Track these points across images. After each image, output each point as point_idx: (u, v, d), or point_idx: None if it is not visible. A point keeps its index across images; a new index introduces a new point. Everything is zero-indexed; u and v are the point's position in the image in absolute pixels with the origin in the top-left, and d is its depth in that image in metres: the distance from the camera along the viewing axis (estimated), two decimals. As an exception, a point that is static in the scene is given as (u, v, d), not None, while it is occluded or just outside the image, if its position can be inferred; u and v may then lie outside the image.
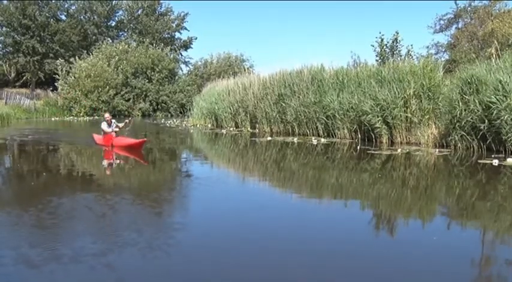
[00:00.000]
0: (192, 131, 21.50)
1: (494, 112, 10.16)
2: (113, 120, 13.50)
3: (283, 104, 17.41)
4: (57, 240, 4.45)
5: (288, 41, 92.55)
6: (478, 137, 10.85)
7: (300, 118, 16.55)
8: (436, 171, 9.20)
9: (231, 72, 37.65)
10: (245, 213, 5.69)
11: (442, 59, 24.32)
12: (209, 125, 23.34)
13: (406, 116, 12.88)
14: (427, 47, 34.86)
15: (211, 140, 16.75)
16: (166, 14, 52.83)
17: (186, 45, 54.53)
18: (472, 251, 4.29)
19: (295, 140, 14.89)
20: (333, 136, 15.15)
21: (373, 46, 19.19)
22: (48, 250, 4.06)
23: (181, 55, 54.61)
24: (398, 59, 16.09)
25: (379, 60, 17.61)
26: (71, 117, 33.75)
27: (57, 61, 37.65)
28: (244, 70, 28.71)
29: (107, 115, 13.71)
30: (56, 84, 37.63)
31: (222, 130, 20.21)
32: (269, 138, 15.82)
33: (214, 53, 53.88)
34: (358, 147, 12.40)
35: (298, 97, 16.70)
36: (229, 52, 53.15)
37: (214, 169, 10.19)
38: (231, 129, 20.70)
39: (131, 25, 51.04)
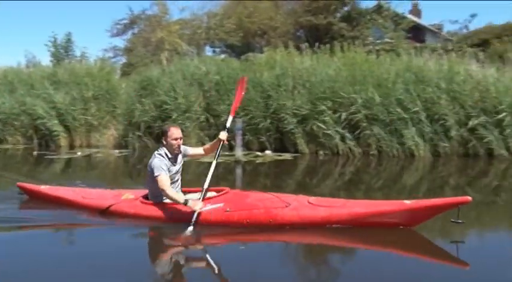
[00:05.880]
0: None
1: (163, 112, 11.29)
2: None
3: None
4: None
5: None
6: (154, 137, 11.63)
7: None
8: (116, 171, 9.46)
9: None
10: None
11: (120, 62, 24.96)
12: None
13: (86, 119, 12.74)
14: (105, 50, 35.20)
15: None
16: None
17: None
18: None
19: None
20: (5, 142, 13.53)
21: (47, 45, 18.32)
22: None
23: None
24: (73, 61, 15.80)
25: (55, 61, 16.88)
26: None
27: None
28: None
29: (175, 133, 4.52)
30: None
31: None
32: None
33: None
34: (35, 153, 11.55)
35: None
36: None
37: None
38: None
39: None
